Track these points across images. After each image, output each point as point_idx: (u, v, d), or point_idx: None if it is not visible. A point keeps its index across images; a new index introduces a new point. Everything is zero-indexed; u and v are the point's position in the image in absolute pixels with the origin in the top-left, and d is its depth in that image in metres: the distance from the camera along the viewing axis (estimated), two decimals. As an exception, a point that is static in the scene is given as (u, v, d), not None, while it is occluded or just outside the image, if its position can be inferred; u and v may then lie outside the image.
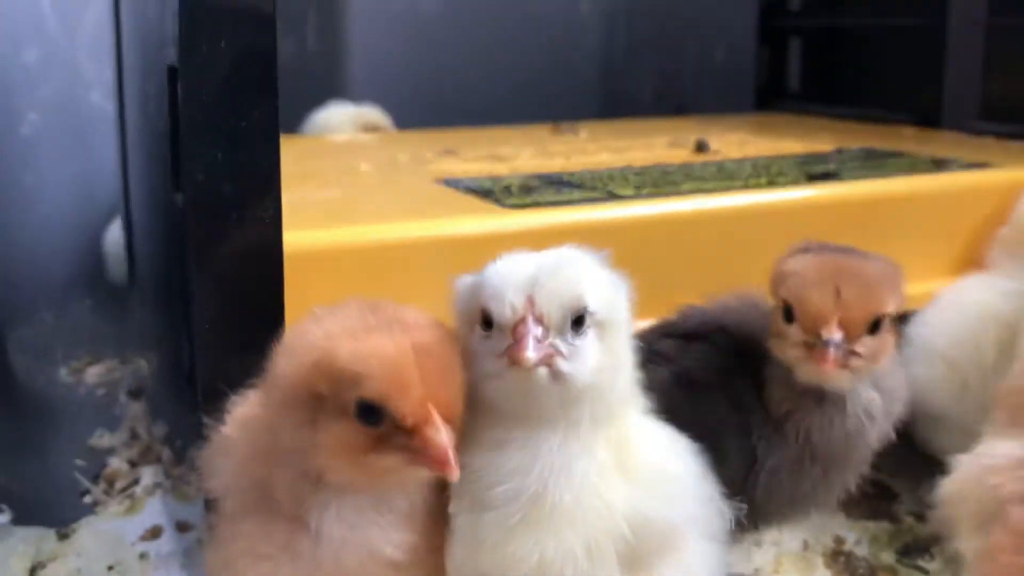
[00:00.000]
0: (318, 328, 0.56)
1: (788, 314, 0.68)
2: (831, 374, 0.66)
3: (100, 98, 1.43)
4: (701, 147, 1.20)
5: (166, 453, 1.06)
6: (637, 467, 0.58)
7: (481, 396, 0.57)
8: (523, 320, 0.54)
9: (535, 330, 0.53)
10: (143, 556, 0.88)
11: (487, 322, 0.56)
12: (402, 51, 1.63)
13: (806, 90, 1.68)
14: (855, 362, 0.66)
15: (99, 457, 1.07)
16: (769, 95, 1.73)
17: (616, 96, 1.80)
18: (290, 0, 1.57)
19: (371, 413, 0.53)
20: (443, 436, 0.52)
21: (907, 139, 1.30)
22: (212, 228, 0.66)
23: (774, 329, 0.70)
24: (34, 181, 1.40)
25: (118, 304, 1.42)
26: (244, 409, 0.62)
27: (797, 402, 0.70)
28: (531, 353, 0.53)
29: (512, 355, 0.53)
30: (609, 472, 0.58)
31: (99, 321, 1.45)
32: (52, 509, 0.96)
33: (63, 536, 0.91)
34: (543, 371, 0.54)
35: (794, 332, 0.68)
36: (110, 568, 0.86)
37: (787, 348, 0.68)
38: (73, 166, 1.43)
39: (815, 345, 0.66)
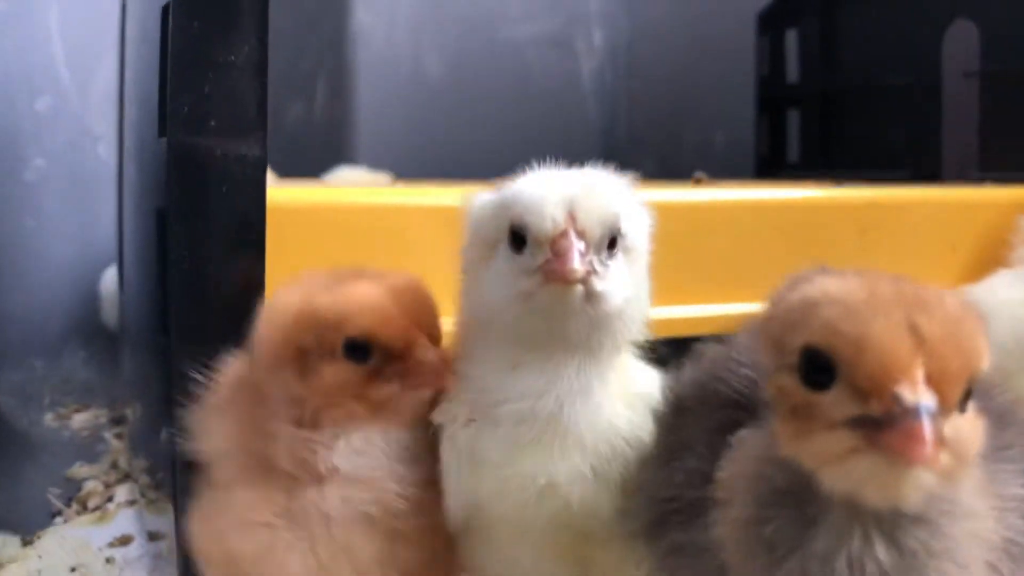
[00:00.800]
0: (293, 290, 0.57)
1: (818, 373, 0.40)
2: (925, 468, 0.38)
3: (106, 152, 1.45)
4: (699, 182, 1.20)
5: (143, 478, 1.02)
6: (634, 392, 0.57)
7: (495, 320, 0.55)
8: (565, 233, 0.51)
9: (578, 244, 0.51)
10: (109, 560, 0.83)
11: (517, 238, 0.53)
12: (408, 118, 1.66)
13: (805, 159, 1.69)
14: (942, 456, 0.38)
15: (75, 485, 1.03)
16: (769, 166, 1.74)
17: (617, 170, 1.81)
18: (299, 66, 1.61)
19: (359, 351, 0.55)
20: (433, 353, 0.55)
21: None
22: (195, 165, 0.64)
23: (782, 408, 0.42)
24: (35, 225, 1.40)
25: (111, 356, 1.39)
26: (236, 369, 0.60)
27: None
28: (577, 265, 0.50)
29: (553, 269, 0.51)
30: (616, 399, 0.56)
31: (91, 373, 1.42)
32: (23, 526, 0.91)
33: (27, 542, 0.86)
34: (579, 289, 0.52)
35: (832, 404, 0.40)
36: (72, 570, 0.81)
37: (815, 437, 0.40)
38: (75, 215, 1.43)
39: (884, 421, 0.37)
